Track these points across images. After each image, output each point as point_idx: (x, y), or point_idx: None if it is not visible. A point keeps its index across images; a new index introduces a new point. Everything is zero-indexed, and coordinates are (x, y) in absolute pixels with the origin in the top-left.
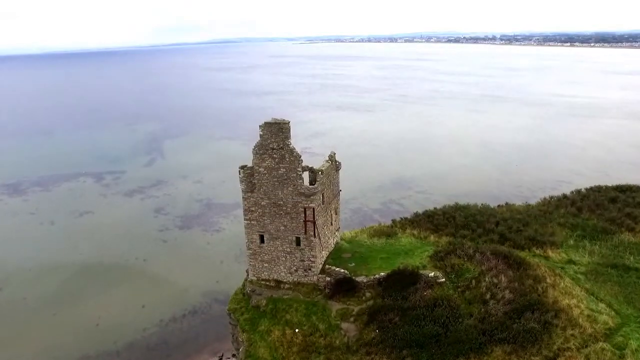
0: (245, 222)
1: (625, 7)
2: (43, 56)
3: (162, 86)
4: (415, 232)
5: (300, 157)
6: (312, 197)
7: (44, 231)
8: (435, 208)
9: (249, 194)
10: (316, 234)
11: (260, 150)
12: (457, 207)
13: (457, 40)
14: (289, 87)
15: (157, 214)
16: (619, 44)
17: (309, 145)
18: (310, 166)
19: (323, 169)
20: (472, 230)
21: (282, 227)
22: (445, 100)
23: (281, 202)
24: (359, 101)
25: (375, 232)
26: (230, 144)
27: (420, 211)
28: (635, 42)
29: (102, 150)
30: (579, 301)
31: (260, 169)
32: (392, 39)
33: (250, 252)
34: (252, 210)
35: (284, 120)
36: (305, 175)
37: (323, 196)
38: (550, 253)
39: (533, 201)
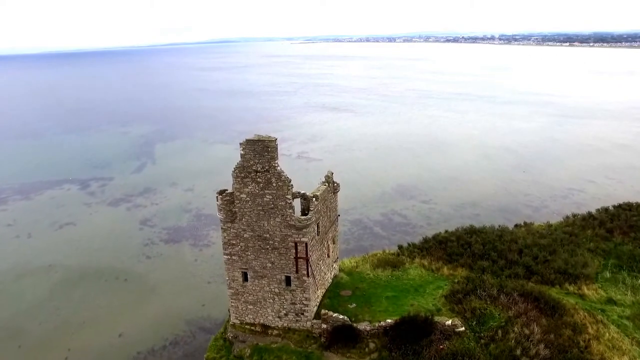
0: (225, 257)
1: (624, 7)
2: (39, 56)
3: (155, 86)
4: (425, 262)
5: (289, 181)
6: (304, 230)
7: (20, 245)
8: (446, 231)
9: (229, 225)
10: (310, 273)
11: (242, 173)
12: (472, 231)
13: (455, 40)
14: (284, 87)
15: (143, 225)
16: (618, 44)
17: (306, 150)
18: (302, 192)
19: (318, 193)
20: (493, 261)
21: (269, 264)
22: (442, 101)
23: (267, 235)
24: (355, 102)
25: (379, 262)
26: (224, 148)
27: (423, 222)
28: (634, 42)
29: (91, 155)
30: None
31: (241, 196)
32: (391, 39)
33: (232, 291)
34: (233, 244)
35: (269, 137)
36: (297, 203)
37: (318, 226)
38: (585, 290)
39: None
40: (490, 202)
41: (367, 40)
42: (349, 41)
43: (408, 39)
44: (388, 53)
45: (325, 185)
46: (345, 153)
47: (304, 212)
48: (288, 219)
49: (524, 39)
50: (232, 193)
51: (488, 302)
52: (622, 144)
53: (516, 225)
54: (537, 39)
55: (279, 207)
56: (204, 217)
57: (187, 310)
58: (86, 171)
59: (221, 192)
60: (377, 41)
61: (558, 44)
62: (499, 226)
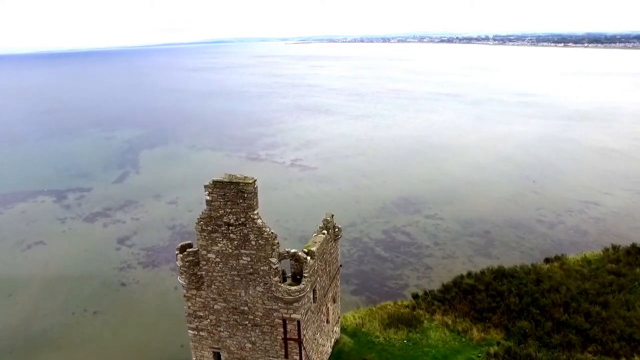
0: (191, 332)
1: (617, 8)
2: (33, 56)
3: (144, 87)
4: (448, 319)
5: (275, 238)
6: (295, 305)
7: None
8: (470, 274)
9: (194, 292)
10: (303, 358)
11: (209, 226)
12: (502, 274)
13: (450, 40)
14: (276, 88)
15: (121, 245)
16: (612, 44)
17: (300, 157)
18: (292, 251)
19: (314, 248)
20: (535, 321)
21: (249, 345)
22: (437, 103)
23: (245, 308)
24: (349, 104)
25: (390, 319)
26: (213, 155)
27: (429, 242)
28: (628, 42)
29: (70, 162)
30: None
31: (209, 256)
32: (385, 39)
33: None
34: (201, 316)
35: (245, 178)
36: (286, 263)
37: (315, 291)
38: None
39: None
40: (500, 217)
41: (362, 40)
42: (344, 41)
43: (402, 40)
44: (382, 54)
45: (323, 233)
46: (340, 160)
47: (296, 276)
48: (273, 289)
49: (518, 39)
50: (196, 251)
51: None
52: (629, 148)
53: (547, 260)
54: (531, 39)
55: (261, 272)
56: (188, 235)
57: (163, 352)
58: (63, 181)
59: (182, 249)
60: (372, 41)
61: (552, 44)
62: (532, 265)
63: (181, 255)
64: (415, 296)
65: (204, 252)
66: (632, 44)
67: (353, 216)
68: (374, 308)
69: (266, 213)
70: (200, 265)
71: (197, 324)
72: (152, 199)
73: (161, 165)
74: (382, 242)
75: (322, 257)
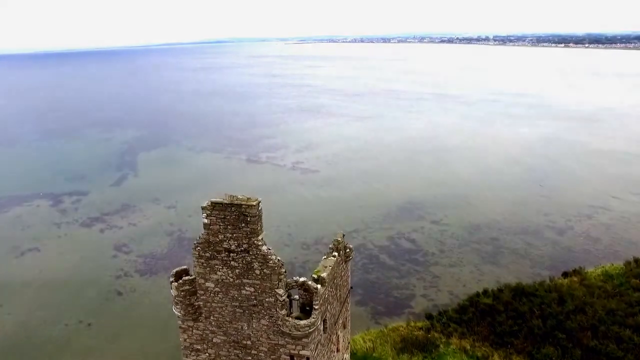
0: None
1: (618, 8)
2: (29, 56)
3: (142, 87)
4: (466, 343)
5: (281, 266)
6: (304, 340)
7: None
8: (486, 292)
9: (190, 324)
10: None
11: (207, 252)
12: (521, 291)
13: (450, 41)
14: (274, 88)
15: (117, 251)
16: (613, 45)
17: (301, 160)
18: (301, 280)
19: (324, 274)
20: (562, 346)
21: None
22: (436, 104)
23: (248, 343)
24: (349, 105)
25: (403, 342)
26: (213, 157)
27: (435, 249)
28: (629, 43)
29: (67, 165)
30: None
31: (207, 284)
32: (385, 40)
33: None
34: (198, 350)
35: (249, 199)
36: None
37: (325, 321)
38: None
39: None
40: (507, 223)
41: (362, 40)
42: (343, 41)
43: (402, 40)
44: (382, 54)
45: (334, 256)
46: (342, 163)
47: (305, 307)
48: (280, 323)
49: (519, 40)
50: (193, 279)
51: None
52: (632, 150)
53: (566, 275)
54: (531, 39)
55: (266, 304)
56: (187, 241)
57: None
58: (60, 184)
59: (178, 276)
60: (372, 42)
61: (553, 45)
62: (551, 280)
63: (176, 283)
64: (429, 316)
65: (202, 281)
66: (632, 44)
67: (356, 221)
68: (385, 330)
69: (267, 216)
70: (198, 294)
71: (194, 357)
72: (150, 203)
73: (160, 168)
74: (386, 249)
75: (333, 282)
